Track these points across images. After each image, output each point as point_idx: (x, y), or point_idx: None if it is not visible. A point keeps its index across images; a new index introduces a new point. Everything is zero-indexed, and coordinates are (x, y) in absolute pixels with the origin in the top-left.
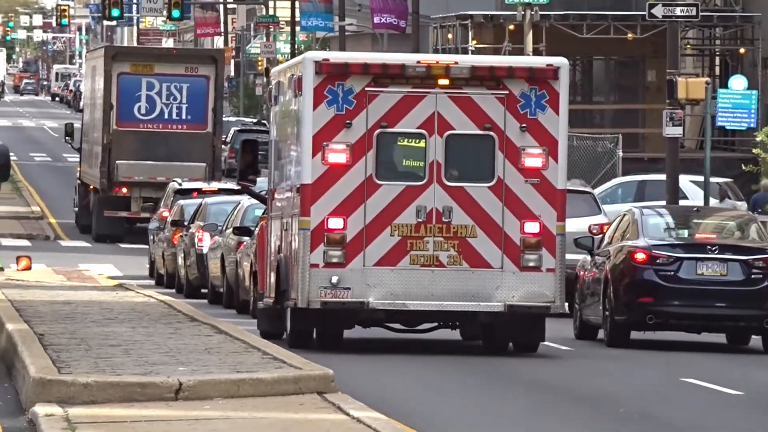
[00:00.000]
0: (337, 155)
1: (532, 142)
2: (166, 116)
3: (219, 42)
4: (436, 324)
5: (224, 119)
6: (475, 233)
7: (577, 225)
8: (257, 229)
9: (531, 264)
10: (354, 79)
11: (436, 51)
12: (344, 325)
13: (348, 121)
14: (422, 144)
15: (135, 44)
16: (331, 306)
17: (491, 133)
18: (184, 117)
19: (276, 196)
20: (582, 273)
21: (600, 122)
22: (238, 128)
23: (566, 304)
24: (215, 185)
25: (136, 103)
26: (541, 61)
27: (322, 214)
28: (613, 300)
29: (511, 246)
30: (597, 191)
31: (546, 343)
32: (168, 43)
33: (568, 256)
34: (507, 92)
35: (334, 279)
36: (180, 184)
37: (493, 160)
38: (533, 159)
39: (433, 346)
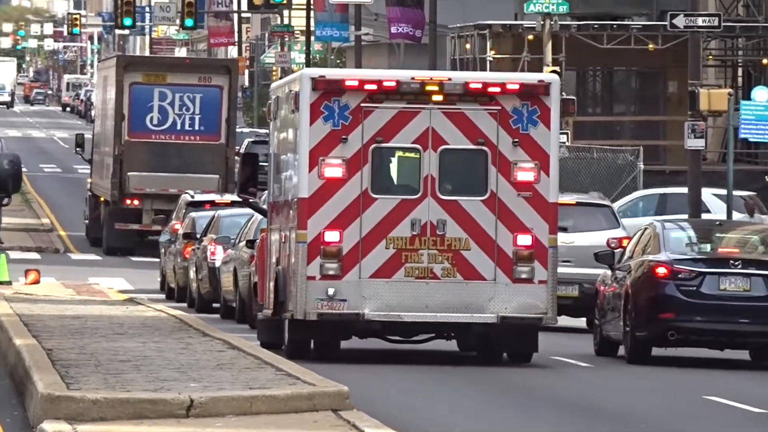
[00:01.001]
0: (334, 170)
1: (524, 157)
2: (178, 127)
3: (233, 52)
4: (432, 335)
5: (238, 130)
6: (468, 246)
7: (595, 239)
8: (258, 241)
9: (523, 276)
10: (350, 95)
11: (453, 61)
12: (341, 336)
13: (344, 137)
14: (417, 158)
15: (147, 54)
16: (328, 317)
17: (484, 147)
18: (197, 128)
19: (275, 209)
20: (602, 288)
21: (620, 134)
22: (252, 139)
23: (585, 319)
24: (228, 197)
25: (149, 114)
26: (532, 78)
27: (319, 227)
28: (633, 315)
29: (504, 258)
30: (617, 204)
31: (565, 359)
32: (181, 52)
33: (589, 271)
34: (499, 108)
35: (331, 291)
36: (192, 197)
37: (486, 175)
38: (525, 173)
39: (432, 357)
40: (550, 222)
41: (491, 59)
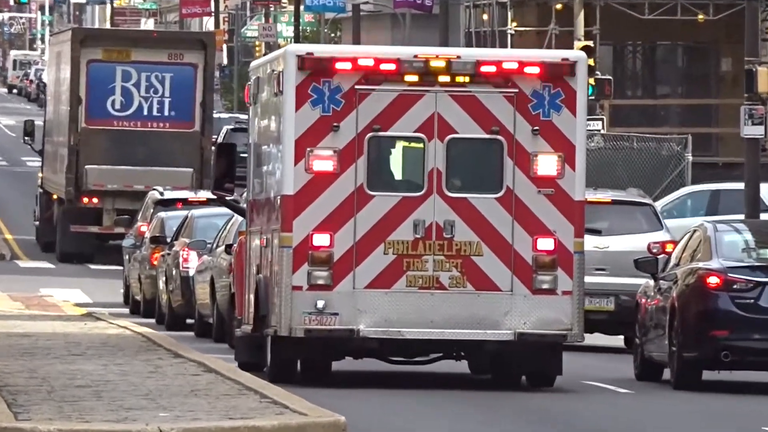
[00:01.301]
0: (323, 162)
1: (545, 147)
2: (145, 112)
3: (209, 24)
4: (439, 354)
5: (215, 116)
6: (480, 251)
7: (634, 243)
8: (235, 245)
9: (545, 286)
10: (342, 75)
11: (468, 35)
12: (332, 356)
13: (335, 124)
14: (420, 149)
15: (108, 26)
16: (316, 334)
17: (499, 137)
18: (166, 113)
19: (255, 208)
20: (644, 301)
21: (665, 120)
22: (232, 127)
23: (622, 337)
24: (203, 195)
25: (110, 97)
26: (555, 56)
27: (306, 229)
28: (681, 333)
29: (522, 265)
30: (661, 203)
31: (598, 383)
32: (147, 24)
33: (627, 281)
34: (517, 90)
35: (320, 303)
36: (161, 194)
37: (501, 168)
38: (547, 166)
39: (438, 380)
40: (575, 223)
41: (512, 32)
